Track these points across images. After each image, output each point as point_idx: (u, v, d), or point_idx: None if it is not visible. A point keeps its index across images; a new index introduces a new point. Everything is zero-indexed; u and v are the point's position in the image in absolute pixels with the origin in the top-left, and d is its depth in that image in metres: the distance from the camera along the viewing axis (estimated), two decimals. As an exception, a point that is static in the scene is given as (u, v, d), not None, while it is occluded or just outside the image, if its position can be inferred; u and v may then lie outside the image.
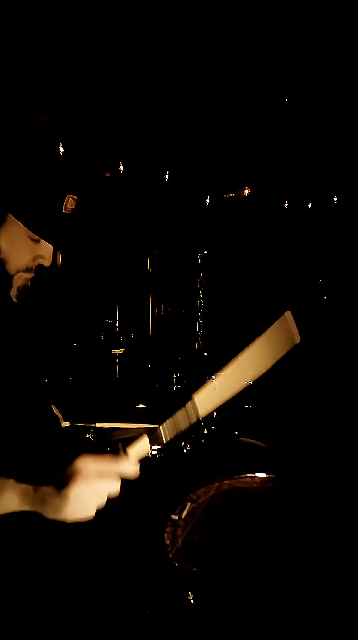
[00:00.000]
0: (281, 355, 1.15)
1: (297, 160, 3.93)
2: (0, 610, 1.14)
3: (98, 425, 1.90)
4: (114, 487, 1.04)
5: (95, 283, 3.36)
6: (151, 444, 1.09)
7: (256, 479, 1.57)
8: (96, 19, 3.20)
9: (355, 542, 1.29)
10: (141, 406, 2.23)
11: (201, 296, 3.38)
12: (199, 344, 3.35)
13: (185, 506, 1.38)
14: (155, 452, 1.92)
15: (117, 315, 3.36)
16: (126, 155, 3.36)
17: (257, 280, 3.84)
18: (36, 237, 1.34)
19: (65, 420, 1.85)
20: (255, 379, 1.14)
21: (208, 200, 3.56)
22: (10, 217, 1.32)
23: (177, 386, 2.67)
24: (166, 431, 1.11)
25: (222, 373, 1.13)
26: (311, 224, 4.02)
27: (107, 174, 3.32)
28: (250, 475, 1.58)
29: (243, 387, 1.14)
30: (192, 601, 1.14)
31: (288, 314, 1.17)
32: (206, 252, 3.35)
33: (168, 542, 1.25)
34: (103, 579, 1.28)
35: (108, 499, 1.04)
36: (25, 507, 1.03)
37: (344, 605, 1.12)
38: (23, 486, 1.03)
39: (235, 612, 1.13)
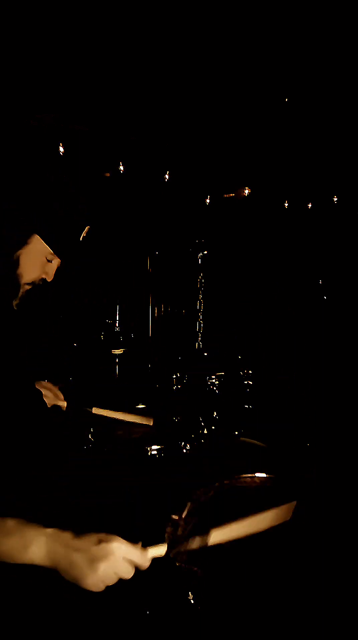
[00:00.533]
0: (275, 524, 1.21)
1: (297, 160, 3.93)
2: (0, 610, 1.14)
3: (94, 410, 1.91)
4: (129, 574, 1.08)
5: (95, 283, 3.36)
6: (168, 551, 1.14)
7: (256, 479, 1.57)
8: (96, 19, 3.20)
9: (355, 542, 1.29)
10: (141, 406, 2.23)
11: (201, 296, 3.38)
12: (199, 344, 3.35)
13: (185, 506, 1.38)
14: (155, 452, 1.92)
15: (117, 315, 3.36)
16: (126, 155, 3.36)
17: (257, 280, 3.84)
18: (51, 257, 1.42)
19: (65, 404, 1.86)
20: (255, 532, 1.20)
21: (208, 200, 3.56)
22: (36, 237, 1.39)
23: (177, 386, 2.67)
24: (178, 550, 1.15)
25: (238, 522, 1.17)
26: (311, 224, 4.02)
27: (107, 174, 3.32)
28: (250, 475, 1.58)
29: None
30: (192, 601, 1.14)
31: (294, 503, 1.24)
32: (206, 252, 3.35)
33: (168, 542, 1.25)
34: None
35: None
36: (47, 564, 1.06)
37: (344, 605, 1.12)
38: (53, 545, 1.06)
39: (234, 612, 1.13)
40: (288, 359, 3.28)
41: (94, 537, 1.07)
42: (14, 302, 1.41)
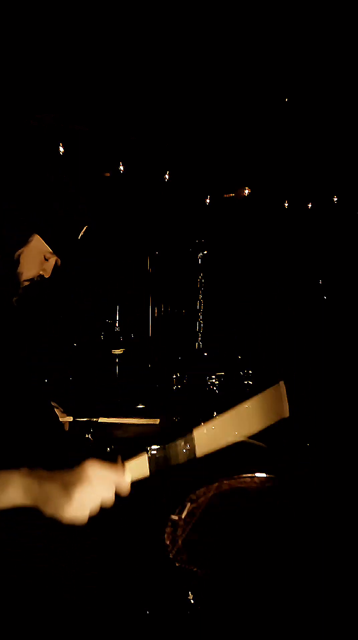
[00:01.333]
0: (270, 423, 1.19)
1: (297, 160, 3.93)
2: (0, 610, 1.14)
3: (101, 420, 1.91)
4: (110, 496, 1.06)
5: (95, 283, 3.36)
6: (150, 465, 1.12)
7: (256, 479, 1.57)
8: (96, 19, 3.20)
9: (355, 542, 1.29)
10: (141, 406, 2.23)
11: (201, 296, 3.38)
12: (199, 344, 3.35)
13: (185, 506, 1.38)
14: (155, 452, 1.92)
15: (117, 315, 3.36)
16: (126, 155, 3.36)
17: (257, 280, 3.84)
18: (49, 255, 1.44)
19: (68, 415, 1.85)
20: (240, 438, 1.18)
21: (208, 200, 3.56)
22: (36, 237, 1.40)
23: (177, 386, 2.67)
24: (166, 457, 1.15)
25: (219, 418, 1.16)
26: (311, 224, 4.02)
27: (107, 174, 3.32)
28: (249, 475, 1.58)
29: (228, 443, 1.18)
30: (192, 601, 1.14)
31: (281, 384, 1.22)
32: (206, 252, 3.35)
33: (168, 542, 1.25)
34: (103, 578, 1.28)
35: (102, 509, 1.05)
36: (27, 502, 1.04)
37: (344, 604, 1.12)
38: (28, 481, 1.05)
39: (234, 612, 1.13)
40: (288, 359, 3.28)
41: (68, 468, 1.04)
42: (14, 299, 1.43)
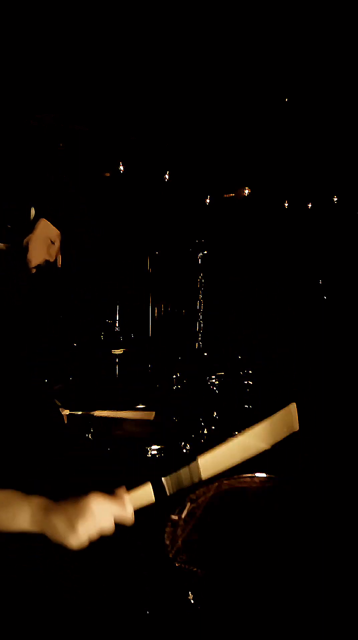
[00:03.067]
0: (280, 439, 1.20)
1: (297, 160, 3.93)
2: (0, 610, 1.14)
3: (96, 413, 1.91)
4: (111, 529, 1.10)
5: (95, 283, 3.35)
6: (155, 494, 1.14)
7: (256, 479, 1.57)
8: (96, 19, 3.20)
9: (354, 542, 1.29)
10: (141, 406, 2.23)
11: (201, 296, 3.38)
12: (199, 344, 3.35)
13: (185, 506, 1.38)
14: (155, 452, 1.92)
15: (117, 315, 3.36)
16: (126, 155, 3.36)
17: (257, 280, 3.84)
18: (54, 239, 1.46)
19: (64, 409, 1.86)
20: (253, 455, 1.19)
21: (208, 200, 3.56)
22: (43, 222, 1.43)
23: (177, 386, 2.67)
24: (168, 485, 1.16)
25: (226, 444, 1.17)
26: (311, 224, 4.02)
27: (107, 174, 3.32)
28: (249, 475, 1.58)
29: (242, 460, 1.19)
30: (192, 601, 1.14)
31: (293, 406, 1.23)
32: (206, 252, 3.35)
33: (168, 542, 1.25)
34: (103, 578, 1.28)
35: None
36: (34, 530, 1.09)
37: (344, 604, 1.12)
38: (35, 511, 1.09)
39: (234, 612, 1.13)
40: (288, 358, 3.28)
41: (73, 499, 1.09)
42: (25, 288, 1.45)
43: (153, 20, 3.30)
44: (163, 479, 1.14)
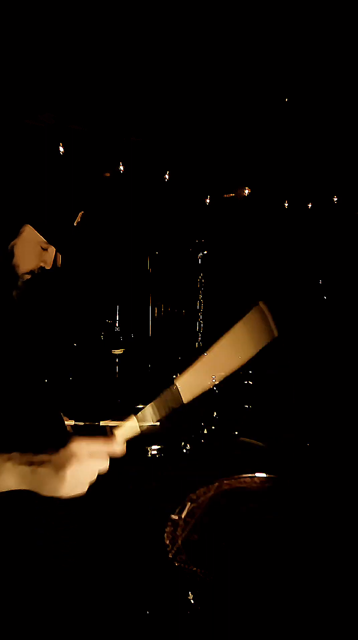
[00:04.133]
0: (261, 346, 1.19)
1: (297, 160, 3.93)
2: (0, 610, 1.14)
3: (102, 424, 1.91)
4: (104, 466, 1.10)
5: (95, 283, 3.35)
6: (139, 424, 1.15)
7: (256, 479, 1.57)
8: (96, 19, 3.20)
9: (355, 542, 1.29)
10: (141, 406, 2.23)
11: (201, 296, 3.38)
12: (199, 344, 3.34)
13: (185, 506, 1.38)
14: (155, 452, 1.92)
15: (117, 315, 3.36)
16: (126, 155, 3.36)
17: (257, 280, 3.84)
18: (46, 245, 1.43)
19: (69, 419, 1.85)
20: (235, 368, 1.18)
21: (208, 200, 3.56)
22: (28, 228, 1.40)
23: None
24: (153, 412, 1.18)
25: (199, 361, 1.17)
26: (311, 224, 4.02)
27: (107, 174, 3.32)
28: (249, 475, 1.58)
29: (223, 376, 1.19)
30: (192, 601, 1.14)
31: (262, 306, 1.21)
32: (206, 252, 3.35)
33: (168, 542, 1.25)
34: (103, 578, 1.28)
35: (104, 480, 1.11)
36: (22, 487, 1.07)
37: (344, 604, 1.12)
38: (21, 468, 1.08)
39: (234, 612, 1.13)
40: (288, 359, 3.28)
41: (54, 449, 1.08)
42: (14, 293, 1.42)
43: (152, 21, 3.30)
44: (145, 407, 1.15)
